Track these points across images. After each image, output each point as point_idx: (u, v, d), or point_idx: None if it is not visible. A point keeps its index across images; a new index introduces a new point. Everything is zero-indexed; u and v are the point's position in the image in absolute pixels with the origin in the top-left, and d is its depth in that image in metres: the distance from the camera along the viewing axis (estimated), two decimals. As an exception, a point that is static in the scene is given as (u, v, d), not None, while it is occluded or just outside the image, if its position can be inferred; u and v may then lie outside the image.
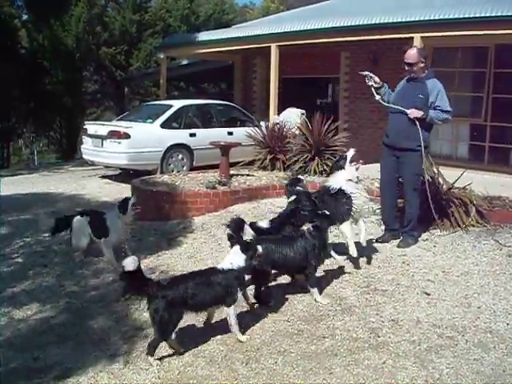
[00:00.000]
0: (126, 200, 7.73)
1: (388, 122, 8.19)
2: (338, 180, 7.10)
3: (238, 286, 5.33)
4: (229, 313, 5.32)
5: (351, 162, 7.16)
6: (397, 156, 7.91)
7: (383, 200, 8.42)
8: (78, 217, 7.86)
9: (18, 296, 6.61)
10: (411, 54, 7.75)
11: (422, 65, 7.73)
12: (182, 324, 5.40)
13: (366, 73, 8.28)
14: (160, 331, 4.99)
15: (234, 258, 5.39)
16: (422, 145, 7.64)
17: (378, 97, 8.16)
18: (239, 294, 5.36)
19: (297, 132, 13.42)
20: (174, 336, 4.99)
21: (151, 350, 4.98)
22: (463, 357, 4.98)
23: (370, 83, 8.15)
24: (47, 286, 6.95)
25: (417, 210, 7.97)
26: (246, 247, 5.48)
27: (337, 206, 6.92)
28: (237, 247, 5.48)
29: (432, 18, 11.92)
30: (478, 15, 11.21)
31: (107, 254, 7.66)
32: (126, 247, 7.78)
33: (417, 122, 7.61)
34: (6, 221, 9.99)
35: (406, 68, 7.84)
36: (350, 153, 7.24)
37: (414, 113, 7.63)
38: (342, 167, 7.18)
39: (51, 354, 5.20)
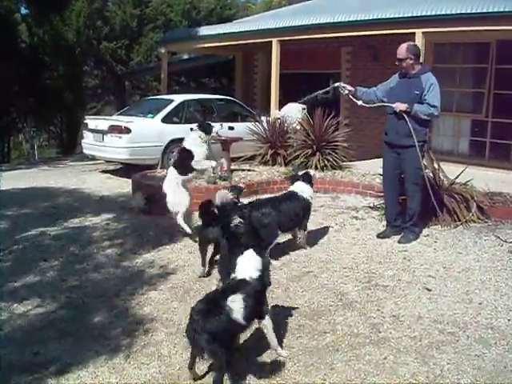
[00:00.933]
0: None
1: (386, 120, 8.18)
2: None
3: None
4: (266, 325, 4.85)
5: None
6: (397, 152, 7.91)
7: (385, 196, 8.44)
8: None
9: (18, 290, 6.59)
10: (400, 50, 7.75)
11: (411, 61, 7.70)
12: (183, 318, 5.43)
13: (338, 84, 8.47)
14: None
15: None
16: (415, 139, 7.62)
17: (359, 102, 8.28)
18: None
19: (298, 127, 13.42)
20: None
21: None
22: (464, 353, 4.97)
23: (346, 92, 8.32)
24: (48, 280, 6.93)
25: (418, 205, 7.97)
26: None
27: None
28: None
29: (433, 13, 11.91)
30: (479, 11, 11.20)
31: None
32: None
33: (406, 117, 7.61)
34: (6, 215, 9.98)
35: (397, 63, 7.85)
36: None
37: (399, 106, 7.66)
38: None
39: (52, 348, 5.19)
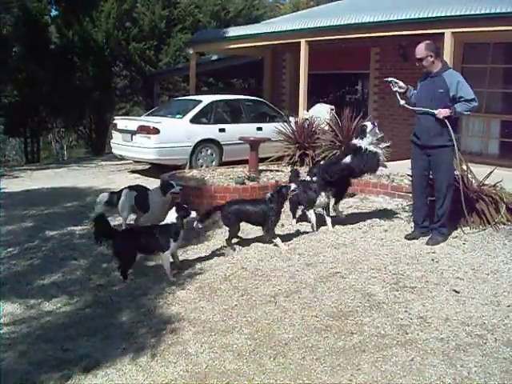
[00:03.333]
0: (169, 185, 8.63)
1: (415, 121, 8.11)
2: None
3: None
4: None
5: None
6: (428, 154, 7.84)
7: (414, 198, 8.35)
8: (127, 190, 9.01)
9: (47, 288, 6.68)
10: (418, 49, 7.64)
11: (432, 58, 7.61)
12: (210, 317, 5.47)
13: (391, 79, 8.25)
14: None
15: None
16: (455, 140, 7.58)
17: (402, 102, 8.12)
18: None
19: (326, 128, 13.40)
20: None
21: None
22: (492, 355, 4.93)
23: (395, 89, 8.14)
24: (76, 278, 7.02)
25: (448, 206, 7.89)
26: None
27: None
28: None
29: (463, 13, 11.80)
30: (509, 10, 11.08)
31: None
32: None
33: (445, 120, 7.55)
34: (36, 214, 10.10)
35: (417, 64, 7.77)
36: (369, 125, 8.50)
37: (441, 112, 7.51)
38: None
39: (80, 346, 5.25)
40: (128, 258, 6.92)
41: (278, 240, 7.98)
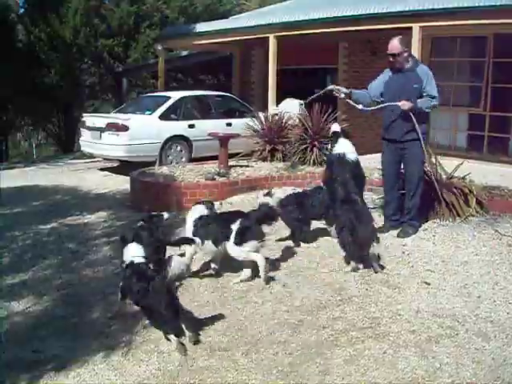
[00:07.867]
0: None
1: (383, 116, 8.10)
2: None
3: None
4: None
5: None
6: (400, 148, 7.86)
7: (385, 192, 8.34)
8: None
9: (16, 288, 6.60)
10: (394, 45, 7.62)
11: (406, 54, 7.66)
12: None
13: (332, 87, 8.16)
14: None
15: None
16: (420, 135, 7.60)
17: (359, 106, 7.99)
18: None
19: (296, 123, 13.39)
20: None
21: None
22: (463, 346, 4.96)
23: (342, 96, 8.04)
24: (46, 278, 6.94)
25: (419, 199, 7.93)
26: None
27: None
28: None
29: (431, 7, 11.85)
30: (477, 4, 11.14)
31: None
32: None
33: (411, 114, 7.57)
34: (4, 213, 9.98)
35: (391, 59, 7.72)
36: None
37: (405, 105, 7.54)
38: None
39: (50, 346, 5.19)
40: None
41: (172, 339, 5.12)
